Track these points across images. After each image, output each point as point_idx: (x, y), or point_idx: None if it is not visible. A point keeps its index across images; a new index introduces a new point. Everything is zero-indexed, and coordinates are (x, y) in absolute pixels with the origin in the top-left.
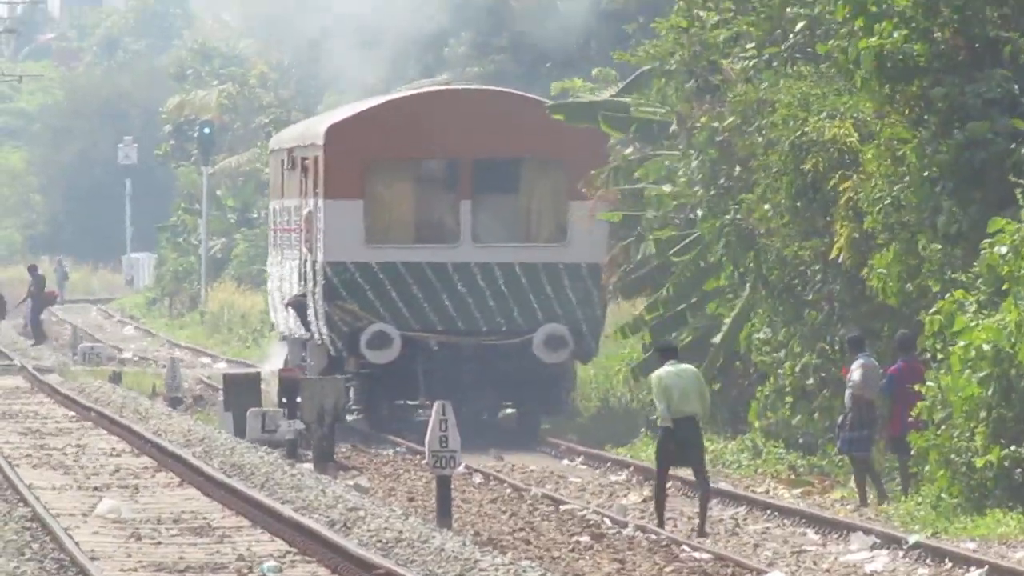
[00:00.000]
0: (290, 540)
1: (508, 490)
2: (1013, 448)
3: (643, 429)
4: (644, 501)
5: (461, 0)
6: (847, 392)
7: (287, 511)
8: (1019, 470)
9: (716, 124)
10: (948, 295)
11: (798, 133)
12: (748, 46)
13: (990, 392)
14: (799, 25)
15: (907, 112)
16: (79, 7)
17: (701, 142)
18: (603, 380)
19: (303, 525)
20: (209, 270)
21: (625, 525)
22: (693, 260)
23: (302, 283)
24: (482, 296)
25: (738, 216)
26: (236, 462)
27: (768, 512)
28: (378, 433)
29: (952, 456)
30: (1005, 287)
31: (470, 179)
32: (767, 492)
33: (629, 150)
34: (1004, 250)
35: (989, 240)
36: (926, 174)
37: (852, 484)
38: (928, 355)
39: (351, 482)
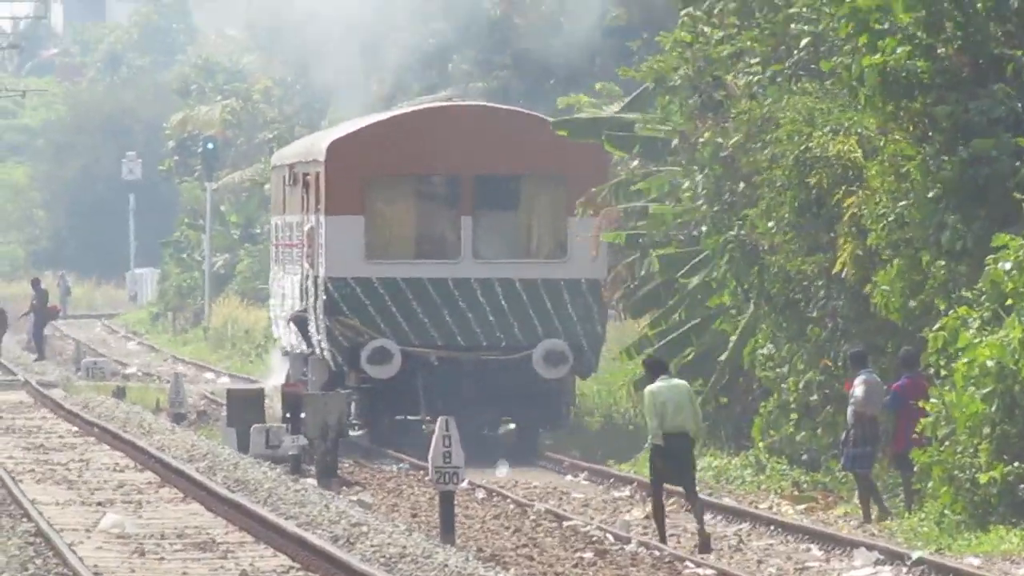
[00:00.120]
0: (293, 555)
1: (511, 506)
2: (1017, 464)
3: (646, 445)
4: (647, 517)
5: (465, 16)
6: (849, 408)
7: (291, 527)
8: (1022, 486)
9: (720, 140)
10: (952, 311)
11: (802, 148)
12: (752, 61)
13: (994, 408)
14: (803, 42)
15: (911, 129)
16: (82, 22)
17: (705, 158)
18: (606, 396)
19: (306, 541)
20: (213, 285)
21: (628, 541)
22: (702, 283)
23: (303, 298)
24: (482, 312)
25: (742, 232)
26: (240, 477)
27: (772, 528)
28: (379, 448)
29: (956, 472)
30: (1009, 303)
31: (471, 195)
32: (771, 508)
33: (635, 163)
34: (1008, 266)
35: (993, 256)
36: (930, 191)
37: (856, 500)
38: (932, 371)
39: (354, 497)
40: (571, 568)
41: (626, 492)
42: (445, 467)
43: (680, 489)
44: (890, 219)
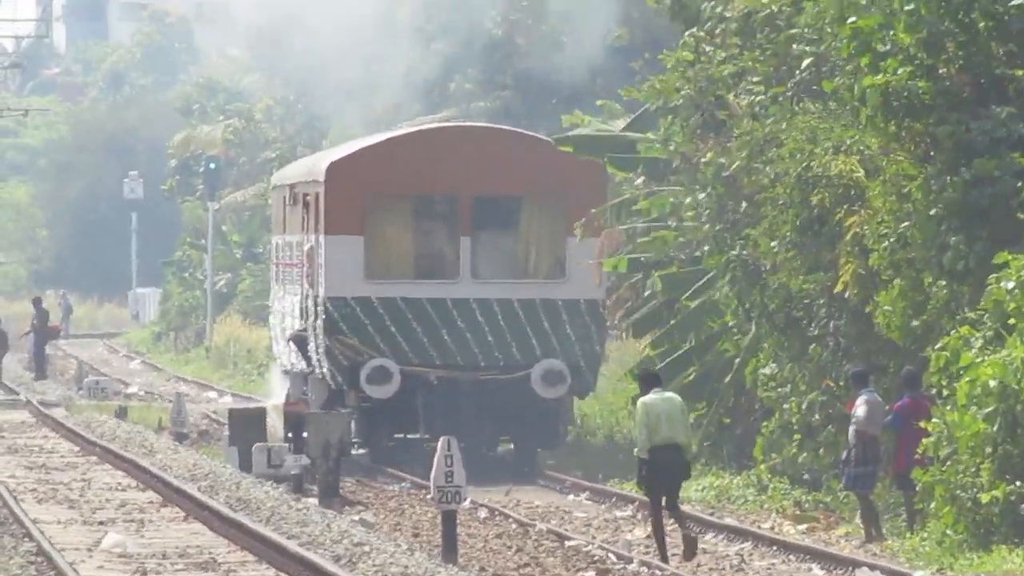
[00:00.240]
0: (295, 575)
1: (513, 525)
2: (1019, 484)
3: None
4: (649, 536)
5: (467, 36)
6: (851, 428)
7: (293, 546)
8: None
9: (722, 160)
10: (954, 331)
11: (804, 167)
12: (754, 81)
13: (996, 428)
14: (805, 62)
15: (913, 149)
16: (84, 42)
17: (707, 178)
18: (608, 415)
19: (309, 560)
20: (215, 305)
21: (630, 560)
22: (705, 303)
23: (303, 318)
24: (481, 331)
25: (744, 251)
26: (242, 497)
27: (774, 548)
28: (379, 466)
29: (958, 492)
30: (1011, 322)
31: (470, 215)
32: (772, 528)
33: (639, 181)
34: (1010, 285)
35: (995, 275)
36: (932, 211)
37: (858, 520)
38: (934, 391)
39: (356, 517)
40: None
41: (628, 511)
42: (447, 486)
43: (684, 507)
44: (892, 239)
